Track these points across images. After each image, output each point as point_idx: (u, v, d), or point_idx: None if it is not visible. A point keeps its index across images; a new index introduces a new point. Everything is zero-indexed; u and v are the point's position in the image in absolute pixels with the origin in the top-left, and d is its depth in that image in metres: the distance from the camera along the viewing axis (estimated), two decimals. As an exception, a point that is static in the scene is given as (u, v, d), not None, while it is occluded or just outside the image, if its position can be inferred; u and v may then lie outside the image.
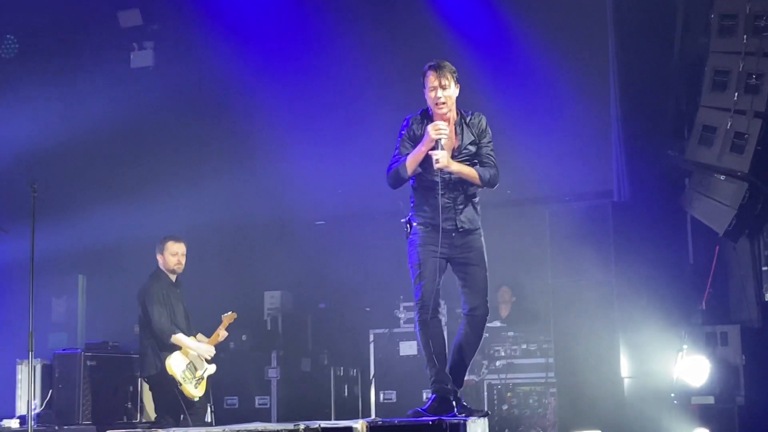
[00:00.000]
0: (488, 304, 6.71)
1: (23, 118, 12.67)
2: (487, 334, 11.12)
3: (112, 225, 13.12)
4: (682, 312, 9.70)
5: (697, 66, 9.84)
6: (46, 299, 12.86)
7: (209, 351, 9.02)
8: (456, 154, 6.61)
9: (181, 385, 8.75)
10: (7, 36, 12.78)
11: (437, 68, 6.52)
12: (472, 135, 6.65)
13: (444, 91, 6.50)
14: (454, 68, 6.60)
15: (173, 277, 9.22)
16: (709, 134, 9.43)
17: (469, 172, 6.57)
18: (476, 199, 6.74)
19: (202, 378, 8.95)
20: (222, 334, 9.28)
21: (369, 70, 11.98)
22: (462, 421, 5.88)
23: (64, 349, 10.42)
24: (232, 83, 12.47)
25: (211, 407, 11.24)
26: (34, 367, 8.73)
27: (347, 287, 12.66)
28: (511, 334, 11.03)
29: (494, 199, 12.47)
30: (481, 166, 6.68)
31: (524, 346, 10.92)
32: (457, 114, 6.67)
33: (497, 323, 11.33)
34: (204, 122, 12.96)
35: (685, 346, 9.18)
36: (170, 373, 8.76)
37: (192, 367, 8.90)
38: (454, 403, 6.49)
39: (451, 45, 11.64)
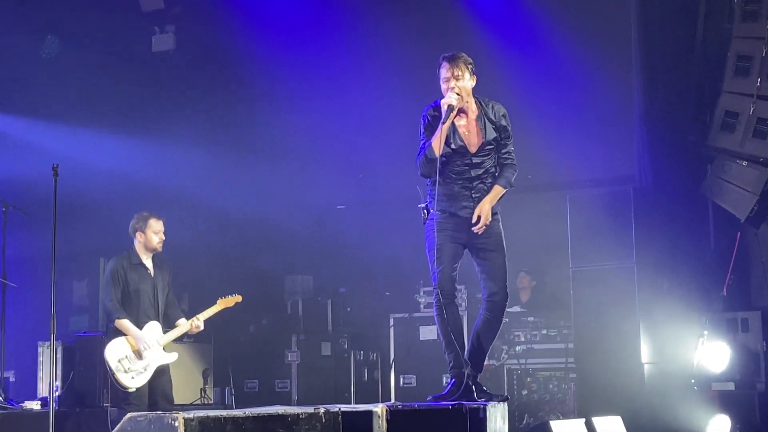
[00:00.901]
0: (508, 289, 6.70)
1: (42, 101, 12.73)
2: (506, 319, 11.11)
3: (133, 209, 13.15)
4: (703, 298, 9.66)
5: (720, 51, 9.77)
6: (68, 282, 12.94)
7: (146, 343, 8.36)
8: (479, 151, 6.60)
9: (114, 374, 8.23)
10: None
11: (451, 59, 6.54)
12: (495, 131, 6.63)
13: (458, 82, 6.49)
14: (470, 60, 6.59)
15: (147, 257, 8.70)
16: (731, 120, 9.37)
17: (496, 195, 6.64)
18: (491, 179, 6.71)
19: (146, 369, 8.36)
20: (195, 324, 8.70)
21: (393, 56, 11.95)
22: (482, 406, 5.89)
23: (85, 332, 10.47)
24: (254, 67, 12.46)
25: (231, 390, 11.30)
26: (56, 349, 8.76)
27: (367, 272, 12.68)
28: (531, 319, 11.01)
29: (515, 184, 12.52)
30: (500, 166, 6.71)
31: (544, 332, 10.92)
32: (478, 106, 6.64)
33: (517, 308, 11.32)
34: (225, 106, 12.97)
35: (705, 332, 9.16)
36: (107, 358, 8.26)
37: (136, 355, 8.32)
38: (473, 387, 6.49)
39: (472, 30, 11.62)
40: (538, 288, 11.78)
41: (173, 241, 13.15)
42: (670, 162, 10.10)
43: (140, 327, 8.40)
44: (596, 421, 7.33)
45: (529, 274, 11.80)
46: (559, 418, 9.43)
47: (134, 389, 8.26)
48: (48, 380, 9.15)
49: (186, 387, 10.76)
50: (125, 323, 8.31)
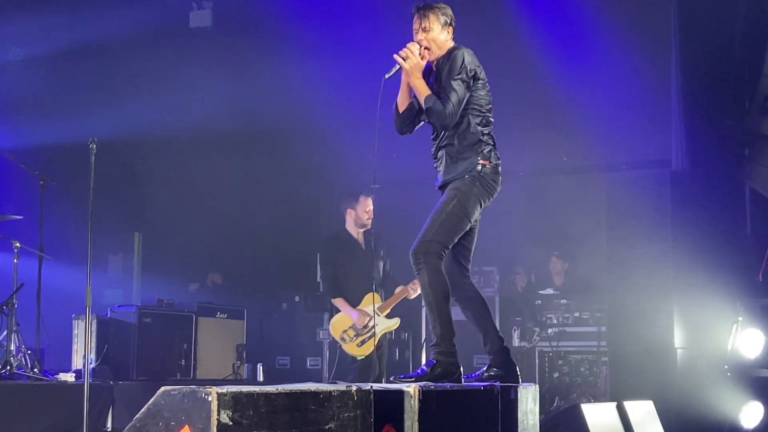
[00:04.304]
0: (420, 242, 6.01)
1: (81, 75, 12.78)
2: (539, 302, 11.14)
3: (169, 184, 13.22)
4: (739, 283, 9.59)
5: (761, 34, 9.67)
6: (103, 256, 13.02)
7: (361, 321, 8.77)
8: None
9: (341, 345, 8.76)
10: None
11: (418, 10, 6.13)
12: (436, 77, 6.10)
13: (426, 34, 6.08)
14: (444, 9, 6.13)
15: (358, 233, 9.08)
16: (771, 105, 9.29)
17: (423, 89, 5.99)
18: (453, 148, 6.05)
19: (372, 336, 8.78)
20: (412, 287, 9.00)
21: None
22: (513, 387, 5.87)
23: (119, 306, 10.54)
24: (292, 45, 12.43)
25: (262, 366, 11.34)
26: (91, 322, 8.83)
27: (400, 251, 12.64)
28: (563, 301, 11.00)
29: (551, 166, 12.47)
30: None
31: (577, 314, 10.90)
32: (445, 54, 6.13)
33: (550, 291, 11.31)
34: (261, 84, 12.96)
35: (740, 318, 9.09)
36: (331, 333, 8.88)
37: (358, 326, 8.79)
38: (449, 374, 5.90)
39: (508, 10, 11.55)
40: (572, 270, 11.75)
41: (207, 221, 13.26)
42: (707, 146, 10.02)
43: (360, 299, 8.84)
44: (628, 405, 7.30)
45: (561, 257, 11.78)
46: (590, 402, 9.42)
47: (362, 356, 8.71)
48: (82, 353, 9.22)
49: (219, 362, 10.83)
50: (340, 302, 8.83)
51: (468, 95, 6.02)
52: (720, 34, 10.07)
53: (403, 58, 6.03)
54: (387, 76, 6.12)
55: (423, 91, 6.04)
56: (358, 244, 9.06)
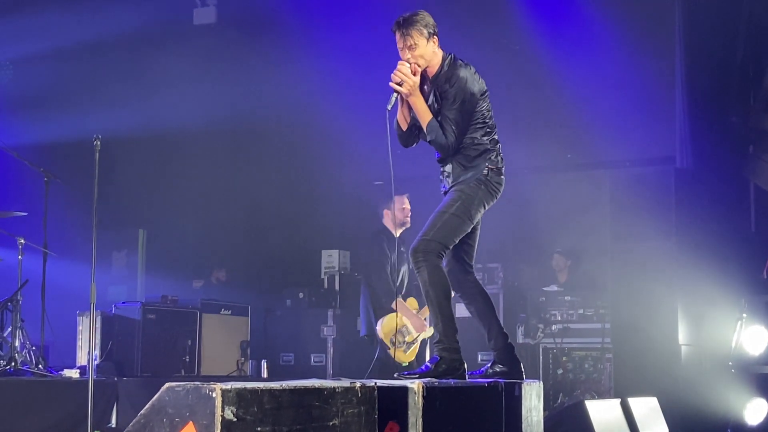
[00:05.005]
0: (421, 240, 5.97)
1: (86, 72, 12.79)
2: (543, 298, 11.14)
3: (173, 181, 13.22)
4: (743, 281, 9.59)
5: (766, 31, 9.66)
6: (107, 253, 13.03)
7: (421, 327, 8.79)
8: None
9: (389, 349, 8.70)
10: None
11: (398, 28, 6.01)
12: (436, 97, 6.04)
13: (412, 51, 5.98)
14: (425, 21, 5.97)
15: (399, 233, 9.05)
16: (775, 101, 9.29)
17: (423, 112, 6.00)
18: (462, 157, 6.06)
19: (415, 342, 8.80)
20: None
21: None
22: (517, 384, 5.87)
23: (124, 302, 10.54)
24: (297, 41, 12.43)
25: (266, 363, 11.36)
26: (95, 318, 8.83)
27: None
28: (567, 298, 11.00)
29: (554, 163, 12.46)
30: None
31: (581, 311, 10.90)
32: (440, 67, 6.05)
33: (554, 287, 11.30)
34: (265, 81, 12.96)
35: (744, 315, 9.09)
36: (380, 336, 8.76)
37: (406, 331, 8.78)
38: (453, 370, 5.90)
39: (513, 9, 11.54)
40: (575, 267, 11.74)
41: (211, 218, 13.27)
42: (711, 143, 10.02)
43: (404, 301, 8.86)
44: (632, 401, 7.31)
45: (563, 254, 11.77)
46: (594, 398, 9.42)
47: (407, 363, 8.65)
48: (87, 349, 9.23)
49: (223, 359, 10.84)
50: (399, 301, 8.73)
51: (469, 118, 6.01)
52: (724, 32, 10.06)
53: (398, 84, 5.98)
54: (389, 107, 6.08)
55: (424, 116, 6.03)
56: (402, 242, 9.03)
